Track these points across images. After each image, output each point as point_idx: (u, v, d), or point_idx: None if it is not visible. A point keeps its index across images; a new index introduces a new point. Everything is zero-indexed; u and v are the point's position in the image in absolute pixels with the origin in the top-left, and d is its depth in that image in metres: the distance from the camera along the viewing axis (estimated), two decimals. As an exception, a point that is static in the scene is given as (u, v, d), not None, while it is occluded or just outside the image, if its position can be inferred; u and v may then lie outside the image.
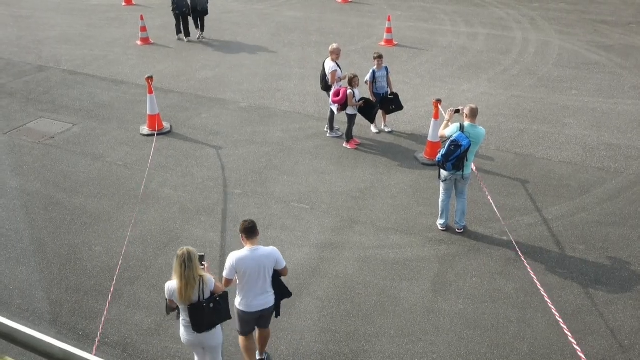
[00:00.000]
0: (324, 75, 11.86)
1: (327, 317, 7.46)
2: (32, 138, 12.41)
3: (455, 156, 8.41)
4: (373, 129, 12.23)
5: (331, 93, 11.44)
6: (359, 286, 7.97)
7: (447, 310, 7.50)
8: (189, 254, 5.68)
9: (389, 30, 17.19)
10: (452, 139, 8.47)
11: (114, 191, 10.40)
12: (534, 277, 6.69)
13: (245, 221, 6.32)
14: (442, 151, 8.54)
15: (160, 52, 17.27)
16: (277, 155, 11.43)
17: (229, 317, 6.00)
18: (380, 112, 12.13)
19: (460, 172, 8.55)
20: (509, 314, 7.40)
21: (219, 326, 6.02)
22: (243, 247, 6.24)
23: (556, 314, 6.83)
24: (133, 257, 8.58)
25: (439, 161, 8.61)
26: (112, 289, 7.74)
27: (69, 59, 16.80)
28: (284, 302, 6.66)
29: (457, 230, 9.02)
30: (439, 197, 9.04)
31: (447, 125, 8.87)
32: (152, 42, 17.99)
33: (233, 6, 21.61)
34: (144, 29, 17.94)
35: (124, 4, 22.12)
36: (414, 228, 9.14)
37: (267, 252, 6.22)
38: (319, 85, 12.44)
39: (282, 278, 6.49)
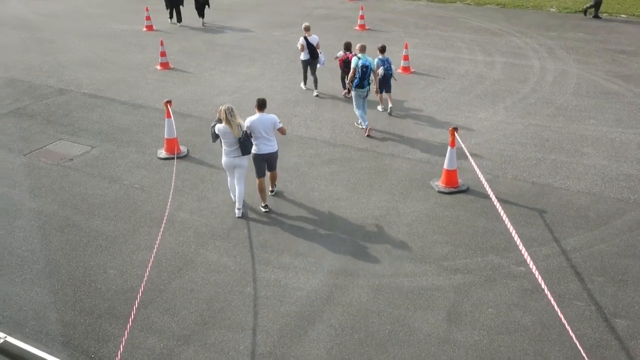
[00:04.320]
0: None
1: (340, 345, 7.38)
2: (51, 160, 12.53)
3: (367, 75, 12.97)
4: (379, 108, 14.61)
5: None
6: (373, 315, 7.90)
7: (462, 342, 7.40)
8: (230, 108, 9.69)
9: (406, 58, 17.25)
10: (360, 65, 12.83)
11: (129, 214, 10.45)
12: (557, 309, 6.56)
13: (260, 98, 10.14)
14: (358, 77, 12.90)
15: (180, 76, 17.45)
16: (293, 180, 11.44)
17: (252, 145, 9.98)
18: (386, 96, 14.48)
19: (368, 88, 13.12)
20: (526, 347, 7.29)
21: (246, 156, 9.98)
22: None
23: (578, 347, 6.70)
24: (147, 280, 8.59)
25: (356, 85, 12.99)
26: (133, 313, 7.74)
27: (89, 83, 17.03)
28: (297, 330, 6.60)
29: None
30: (452, 224, 8.96)
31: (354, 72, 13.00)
32: (172, 66, 18.20)
33: (253, 33, 21.84)
34: (163, 53, 18.16)
35: (144, 29, 22.43)
36: (429, 256, 9.07)
37: (270, 116, 10.07)
38: (335, 111, 12.60)
39: None
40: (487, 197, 10.49)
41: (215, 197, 10.92)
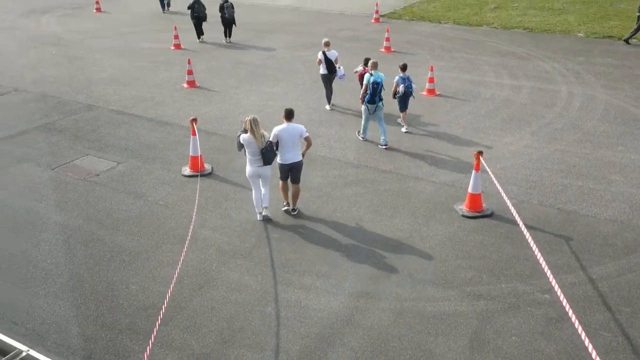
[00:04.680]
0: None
1: (361, 368, 7.32)
2: (77, 175, 12.68)
3: (378, 92, 13.31)
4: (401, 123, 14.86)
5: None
6: (394, 339, 7.82)
7: (484, 368, 7.28)
8: (255, 119, 10.13)
9: (432, 80, 17.24)
10: (371, 81, 13.22)
11: (153, 230, 10.51)
12: (584, 339, 6.42)
13: (287, 108, 10.63)
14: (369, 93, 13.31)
15: (206, 95, 17.62)
16: (315, 201, 11.44)
17: (274, 157, 10.42)
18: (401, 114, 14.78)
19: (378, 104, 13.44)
20: (549, 376, 7.15)
21: (269, 166, 10.39)
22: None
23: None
24: (169, 297, 8.60)
25: (367, 100, 13.39)
26: (154, 330, 7.75)
27: (117, 99, 17.25)
28: (317, 352, 6.56)
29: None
30: (475, 249, 8.88)
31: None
32: (198, 85, 18.38)
33: (278, 52, 22.01)
34: (190, 72, 18.36)
35: (172, 48, 22.72)
36: (451, 281, 8.98)
37: (297, 126, 10.48)
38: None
39: None
40: (512, 222, 10.40)
41: (238, 216, 10.94)
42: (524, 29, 24.64)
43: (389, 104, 14.63)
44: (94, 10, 29.97)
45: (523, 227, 8.59)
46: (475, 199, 10.89)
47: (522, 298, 8.58)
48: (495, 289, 8.78)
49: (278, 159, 10.58)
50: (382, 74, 13.57)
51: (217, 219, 10.86)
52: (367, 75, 13.52)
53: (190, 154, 12.53)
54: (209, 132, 14.68)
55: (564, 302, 6.90)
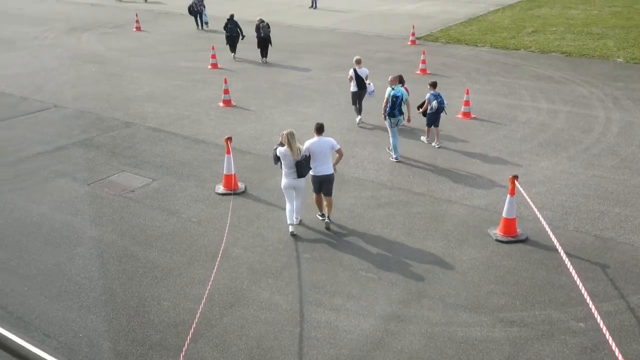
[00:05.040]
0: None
1: (390, 393, 7.22)
2: (113, 190, 12.87)
3: (397, 105, 13.72)
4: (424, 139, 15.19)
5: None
6: (424, 363, 7.71)
7: (516, 397, 7.13)
8: (291, 132, 10.58)
9: (467, 103, 17.15)
10: (391, 95, 13.68)
11: (186, 247, 10.59)
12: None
13: (318, 123, 11.07)
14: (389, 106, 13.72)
15: (241, 114, 17.78)
16: (348, 222, 11.41)
17: (309, 171, 10.81)
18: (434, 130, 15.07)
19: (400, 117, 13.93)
20: (584, 407, 6.97)
21: (303, 178, 10.79)
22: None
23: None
24: (199, 314, 8.63)
25: (388, 114, 13.82)
26: (184, 347, 7.77)
27: (154, 117, 17.52)
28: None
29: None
30: (509, 274, 8.73)
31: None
32: (234, 104, 18.56)
33: (314, 73, 22.14)
34: (226, 91, 18.57)
35: (210, 67, 23.03)
36: (484, 306, 8.85)
37: (328, 139, 10.91)
38: (394, 154, 13.27)
39: None
40: (547, 248, 10.24)
41: (270, 235, 10.97)
42: (562, 53, 24.40)
43: (417, 120, 14.57)
44: (134, 29, 30.59)
45: (563, 254, 8.42)
46: (509, 224, 10.74)
47: (557, 326, 8.40)
48: (529, 316, 8.61)
49: (311, 172, 10.91)
50: (403, 90, 14.01)
51: (249, 237, 10.90)
52: (388, 90, 14.10)
53: (224, 172, 12.63)
54: (244, 151, 14.79)
55: (604, 330, 6.74)
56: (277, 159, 10.82)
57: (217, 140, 15.43)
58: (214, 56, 23.15)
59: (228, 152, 12.45)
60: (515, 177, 10.63)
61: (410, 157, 14.35)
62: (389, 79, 14.34)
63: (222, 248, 10.12)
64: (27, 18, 34.43)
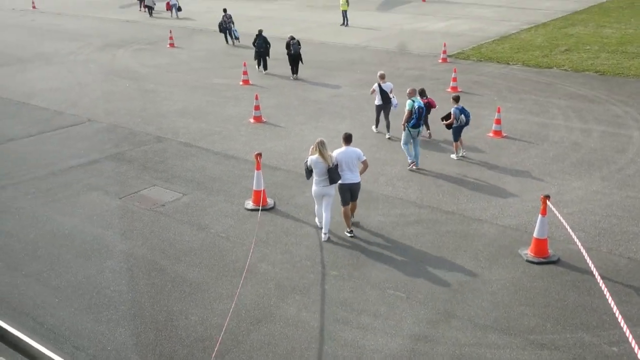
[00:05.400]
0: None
1: (416, 414, 7.12)
2: (144, 204, 13.01)
3: (422, 116, 14.36)
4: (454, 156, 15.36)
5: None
6: (452, 385, 7.59)
7: (546, 422, 6.97)
8: (322, 141, 11.01)
9: (498, 122, 17.00)
10: (416, 107, 14.09)
11: (214, 262, 10.64)
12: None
13: (346, 133, 11.54)
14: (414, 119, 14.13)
15: (272, 130, 17.88)
16: (376, 239, 11.35)
17: (340, 178, 11.09)
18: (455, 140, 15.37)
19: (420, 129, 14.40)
20: None
21: (334, 185, 11.15)
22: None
23: None
24: (226, 330, 8.64)
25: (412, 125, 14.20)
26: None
27: (186, 132, 17.71)
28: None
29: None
30: (540, 295, 8.57)
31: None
32: (265, 120, 18.68)
33: (345, 90, 22.19)
34: (257, 107, 18.70)
35: (241, 83, 23.24)
36: (514, 328, 8.70)
37: (354, 150, 11.33)
38: (422, 171, 13.34)
39: None
40: (580, 269, 10.07)
41: (298, 251, 10.96)
42: (596, 72, 24.11)
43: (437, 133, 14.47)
44: (168, 46, 31.05)
45: (598, 276, 8.26)
46: (541, 244, 10.58)
47: (589, 349, 8.22)
48: (560, 339, 8.45)
49: (339, 182, 11.27)
50: (421, 101, 14.68)
51: (277, 253, 10.91)
52: (409, 102, 14.34)
53: (254, 188, 12.68)
54: (273, 167, 14.85)
55: (639, 355, 6.57)
56: (309, 173, 11.25)
57: (247, 156, 15.53)
58: (245, 73, 23.37)
59: (258, 168, 12.51)
60: (547, 197, 10.49)
61: (440, 175, 14.26)
62: (408, 91, 14.84)
63: (247, 264, 10.14)
64: (64, 34, 35.19)
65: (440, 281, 9.94)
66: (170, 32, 32.20)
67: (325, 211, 11.29)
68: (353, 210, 11.73)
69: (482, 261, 10.56)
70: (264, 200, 12.73)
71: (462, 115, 14.87)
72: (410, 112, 14.23)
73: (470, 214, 12.36)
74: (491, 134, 16.94)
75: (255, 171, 12.57)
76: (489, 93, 21.40)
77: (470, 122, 15.25)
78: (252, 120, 18.64)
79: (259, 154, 12.64)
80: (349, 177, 11.25)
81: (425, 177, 14.21)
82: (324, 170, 11.00)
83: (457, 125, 15.01)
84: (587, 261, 8.77)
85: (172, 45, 31.05)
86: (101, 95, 21.96)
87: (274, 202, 12.92)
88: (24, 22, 40.33)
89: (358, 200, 11.89)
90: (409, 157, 14.73)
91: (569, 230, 9.96)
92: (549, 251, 10.63)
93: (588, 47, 28.23)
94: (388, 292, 9.64)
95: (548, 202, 10.42)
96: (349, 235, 11.48)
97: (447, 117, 15.23)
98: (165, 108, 20.24)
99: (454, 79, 21.77)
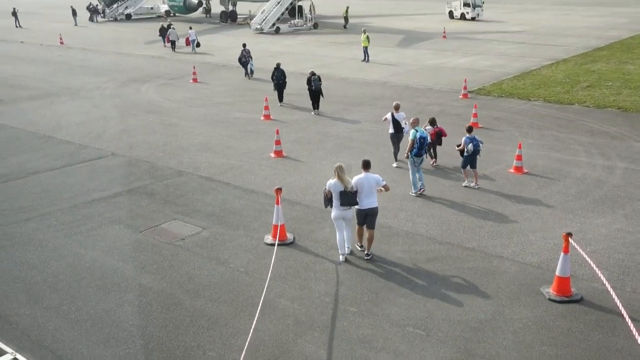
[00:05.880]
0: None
1: None
2: (164, 238, 13.07)
3: (425, 145, 14.91)
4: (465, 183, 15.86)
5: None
6: None
7: None
8: (341, 166, 11.52)
9: (519, 158, 16.91)
10: (418, 137, 14.68)
11: (233, 297, 10.61)
12: None
13: (365, 159, 11.90)
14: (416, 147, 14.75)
15: (292, 165, 17.95)
16: (395, 276, 11.27)
17: (357, 203, 11.51)
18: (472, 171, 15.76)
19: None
20: None
21: (352, 209, 11.66)
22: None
23: None
24: (243, 366, 8.58)
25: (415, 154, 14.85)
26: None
27: (207, 166, 17.84)
28: None
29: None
30: (562, 335, 8.42)
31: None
32: (285, 155, 18.77)
33: (365, 125, 22.27)
34: (278, 142, 18.82)
35: (262, 118, 23.44)
36: (536, 369, 8.53)
37: (374, 176, 11.73)
38: (443, 207, 13.41)
39: None
40: (603, 309, 9.89)
41: (317, 287, 10.90)
42: (618, 108, 23.97)
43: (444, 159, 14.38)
44: (191, 81, 31.49)
45: (626, 316, 8.10)
46: (563, 283, 10.43)
47: (614, 393, 8.02)
48: (584, 381, 8.26)
49: (356, 206, 11.65)
50: (424, 131, 15.34)
51: (296, 289, 10.86)
52: (412, 132, 15.04)
53: (273, 222, 12.69)
54: (293, 202, 14.87)
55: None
56: (328, 201, 11.66)
57: (268, 190, 15.58)
58: (266, 107, 23.58)
59: (277, 203, 12.54)
60: (570, 234, 10.36)
61: (461, 210, 14.18)
62: (411, 121, 15.68)
63: (267, 299, 10.09)
64: (91, 69, 35.88)
65: (461, 319, 9.81)
66: (194, 67, 32.70)
67: (346, 229, 11.84)
68: (371, 239, 11.96)
69: (503, 299, 10.41)
70: (284, 235, 12.72)
71: (470, 145, 15.23)
72: (413, 142, 14.86)
73: (492, 250, 12.25)
74: (512, 170, 16.85)
75: (275, 206, 12.59)
76: (510, 129, 21.35)
77: (492, 158, 15.20)
78: (272, 155, 18.75)
79: (279, 189, 12.68)
80: (367, 202, 11.62)
81: (445, 213, 14.13)
82: (340, 195, 11.47)
83: (467, 154, 15.39)
84: (612, 300, 8.60)
85: (195, 80, 31.48)
86: (125, 129, 22.26)
87: (294, 237, 12.91)
88: (52, 57, 41.23)
89: (377, 235, 11.85)
90: (413, 187, 15.25)
91: (594, 267, 9.81)
92: (572, 290, 10.47)
93: (610, 84, 28.13)
94: (408, 330, 9.53)
95: (570, 240, 10.29)
96: (359, 249, 12.20)
97: (460, 144, 15.74)
98: (187, 142, 20.45)
99: (475, 115, 21.76)
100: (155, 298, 10.62)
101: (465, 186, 15.73)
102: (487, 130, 20.94)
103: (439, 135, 16.85)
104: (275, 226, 12.63)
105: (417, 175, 15.18)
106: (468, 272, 11.38)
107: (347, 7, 53.39)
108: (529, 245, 12.42)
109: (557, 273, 10.50)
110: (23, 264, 12.08)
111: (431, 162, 17.22)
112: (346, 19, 52.24)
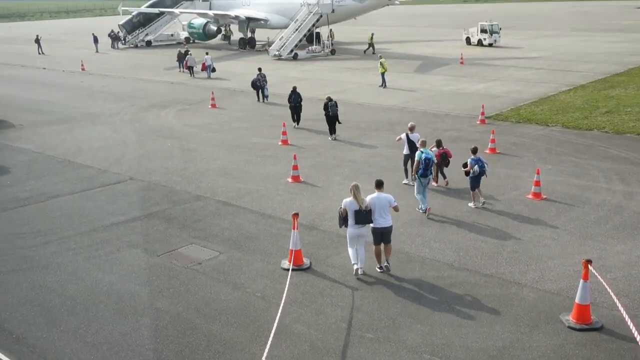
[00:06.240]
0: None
1: None
2: (181, 262, 13.12)
3: (429, 166, 15.30)
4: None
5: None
6: None
7: None
8: (357, 185, 12.00)
9: (537, 184, 16.81)
10: (423, 158, 15.17)
11: (249, 322, 10.59)
12: None
13: (378, 179, 12.39)
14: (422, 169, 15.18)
15: (309, 190, 17.99)
16: (413, 302, 11.19)
17: (371, 222, 11.95)
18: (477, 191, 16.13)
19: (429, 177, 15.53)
20: None
21: (368, 225, 12.01)
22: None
23: None
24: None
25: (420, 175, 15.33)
26: None
27: (224, 191, 17.93)
28: None
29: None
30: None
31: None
32: (302, 180, 18.82)
33: (382, 150, 22.30)
34: (295, 167, 18.88)
35: (280, 143, 23.56)
36: (556, 398, 8.39)
37: (386, 195, 12.17)
38: (460, 233, 13.45)
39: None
40: (624, 337, 9.73)
41: (334, 312, 10.85)
42: (638, 134, 23.77)
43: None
44: (209, 106, 31.77)
45: None
46: (583, 310, 10.29)
47: None
48: (605, 411, 8.11)
49: (372, 225, 12.10)
50: (430, 152, 15.82)
51: (312, 314, 10.82)
52: (417, 153, 15.62)
53: (290, 247, 12.70)
54: (310, 227, 14.88)
55: None
56: (343, 220, 12.09)
57: (285, 215, 15.60)
58: (284, 133, 23.70)
59: (294, 228, 12.55)
60: (589, 261, 10.25)
61: (478, 236, 14.09)
62: (418, 143, 16.35)
63: (284, 324, 10.05)
64: (111, 95, 36.35)
65: (479, 347, 9.70)
66: (212, 93, 33.01)
67: (360, 249, 12.23)
68: (388, 253, 12.46)
69: (522, 327, 10.29)
70: (300, 260, 12.71)
71: (476, 166, 15.66)
72: (419, 163, 15.33)
73: (510, 277, 12.14)
74: (530, 196, 16.74)
75: (292, 230, 12.61)
76: (528, 155, 21.25)
77: (509, 184, 15.13)
78: (290, 180, 18.80)
79: (296, 214, 12.70)
80: (381, 221, 12.07)
81: (462, 239, 14.05)
82: (355, 213, 11.89)
83: (473, 175, 15.79)
84: (631, 329, 8.47)
85: (213, 105, 31.75)
86: (144, 154, 22.48)
87: (310, 262, 12.89)
88: (73, 83, 41.86)
89: (394, 261, 11.77)
90: (422, 205, 15.66)
91: (613, 296, 9.68)
92: (592, 317, 10.32)
93: (629, 109, 27.95)
94: (425, 357, 9.44)
95: (590, 267, 10.17)
96: (379, 270, 12.38)
97: (465, 164, 16.06)
98: (205, 167, 20.59)
99: (492, 141, 21.70)
100: (171, 322, 10.63)
101: (476, 207, 15.94)
102: (505, 156, 20.86)
103: (444, 157, 17.18)
104: (292, 251, 12.64)
105: (421, 195, 15.63)
106: (486, 299, 11.27)
107: (372, 34, 53.69)
108: (548, 272, 12.29)
109: (577, 300, 10.37)
110: (41, 287, 12.18)
111: (435, 183, 17.58)
112: (372, 45, 52.51)
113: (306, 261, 12.88)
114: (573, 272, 12.11)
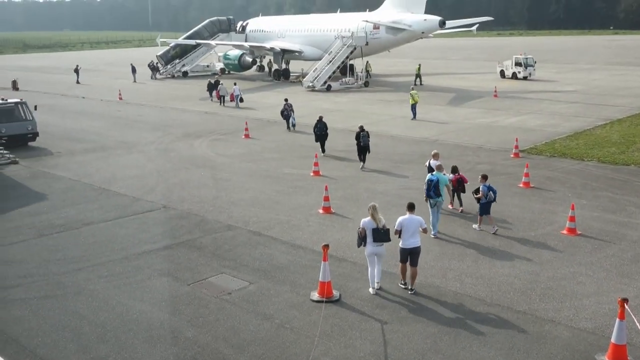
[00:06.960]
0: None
1: None
2: (211, 292, 13.15)
3: (433, 187, 16.04)
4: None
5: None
6: None
7: None
8: (374, 205, 12.64)
9: (572, 219, 16.54)
10: (427, 179, 16.33)
11: (278, 354, 10.54)
12: None
13: (410, 202, 13.10)
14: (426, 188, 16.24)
15: (340, 221, 17.96)
16: (443, 338, 11.03)
17: (389, 240, 12.62)
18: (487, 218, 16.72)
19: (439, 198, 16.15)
20: None
21: (384, 245, 12.64)
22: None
23: None
24: None
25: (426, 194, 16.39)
26: None
27: (256, 221, 18.00)
28: None
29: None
30: None
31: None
32: (333, 211, 18.81)
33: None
34: (326, 198, 18.90)
35: (312, 174, 23.63)
36: None
37: (417, 218, 12.79)
38: (493, 268, 13.42)
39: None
40: (662, 380, 9.42)
41: (363, 346, 10.75)
42: (676, 169, 23.30)
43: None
44: (243, 136, 32.09)
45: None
46: (619, 351, 10.03)
47: None
48: None
49: (400, 244, 12.74)
50: (443, 176, 16.69)
51: (341, 347, 10.72)
52: (428, 175, 16.70)
53: (320, 279, 12.66)
54: (340, 259, 14.83)
55: None
56: (361, 240, 12.67)
57: (315, 246, 15.59)
58: (316, 164, 23.79)
59: (325, 259, 12.52)
60: (625, 300, 10.02)
61: (511, 272, 13.87)
62: (435, 166, 17.15)
63: (313, 357, 9.98)
64: (147, 124, 36.97)
65: (511, 385, 9.49)
66: (246, 123, 33.37)
67: (377, 264, 12.80)
68: (414, 276, 12.91)
69: (555, 366, 10.05)
70: (330, 291, 12.65)
71: (490, 192, 16.35)
72: (428, 185, 16.28)
73: (543, 314, 11.89)
74: (565, 232, 16.47)
75: (322, 262, 12.58)
76: (563, 189, 20.95)
77: (543, 219, 14.92)
78: (321, 211, 18.81)
79: (326, 246, 12.68)
80: (411, 242, 12.71)
81: (494, 274, 13.85)
82: (372, 232, 12.49)
83: (485, 201, 16.41)
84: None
85: (247, 136, 32.06)
86: (177, 183, 22.73)
87: (340, 295, 12.82)
88: (110, 112, 42.70)
89: (424, 295, 11.60)
90: (432, 231, 16.17)
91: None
92: (629, 358, 10.04)
93: (667, 144, 27.45)
94: (455, 395, 9.26)
95: (626, 306, 9.93)
96: (402, 287, 13.00)
97: (476, 191, 16.73)
98: (237, 197, 20.72)
99: (526, 174, 21.47)
100: (199, 352, 10.64)
101: (480, 230, 16.61)
102: (539, 190, 20.60)
103: (460, 182, 17.86)
104: (322, 283, 12.59)
105: (433, 218, 16.31)
106: (518, 337, 11.05)
107: (419, 65, 53.96)
108: (583, 310, 12.02)
109: (613, 340, 10.11)
110: (73, 313, 12.31)
111: (451, 206, 18.42)
112: (419, 76, 52.75)
113: (336, 293, 12.82)
114: (609, 310, 11.83)
